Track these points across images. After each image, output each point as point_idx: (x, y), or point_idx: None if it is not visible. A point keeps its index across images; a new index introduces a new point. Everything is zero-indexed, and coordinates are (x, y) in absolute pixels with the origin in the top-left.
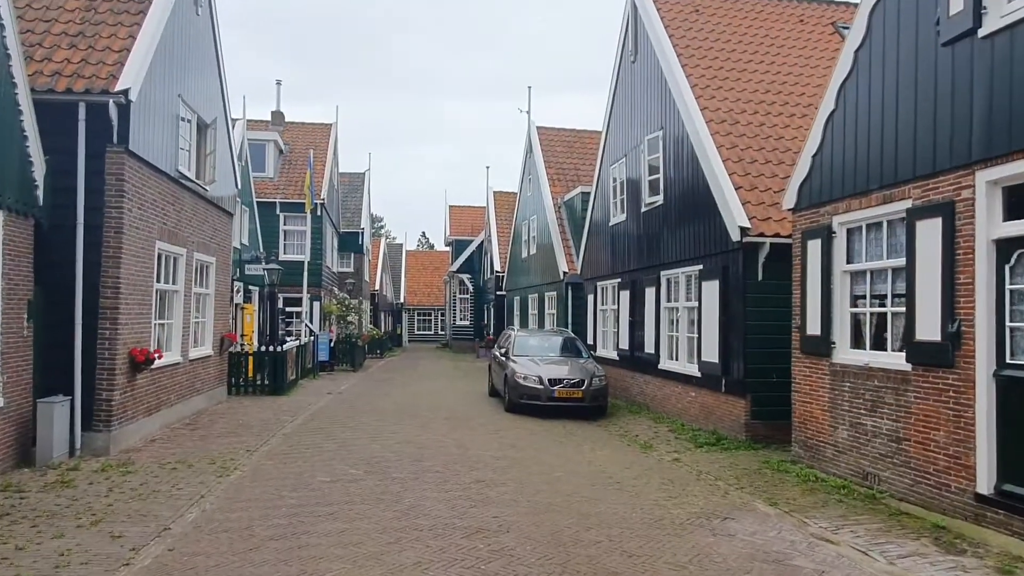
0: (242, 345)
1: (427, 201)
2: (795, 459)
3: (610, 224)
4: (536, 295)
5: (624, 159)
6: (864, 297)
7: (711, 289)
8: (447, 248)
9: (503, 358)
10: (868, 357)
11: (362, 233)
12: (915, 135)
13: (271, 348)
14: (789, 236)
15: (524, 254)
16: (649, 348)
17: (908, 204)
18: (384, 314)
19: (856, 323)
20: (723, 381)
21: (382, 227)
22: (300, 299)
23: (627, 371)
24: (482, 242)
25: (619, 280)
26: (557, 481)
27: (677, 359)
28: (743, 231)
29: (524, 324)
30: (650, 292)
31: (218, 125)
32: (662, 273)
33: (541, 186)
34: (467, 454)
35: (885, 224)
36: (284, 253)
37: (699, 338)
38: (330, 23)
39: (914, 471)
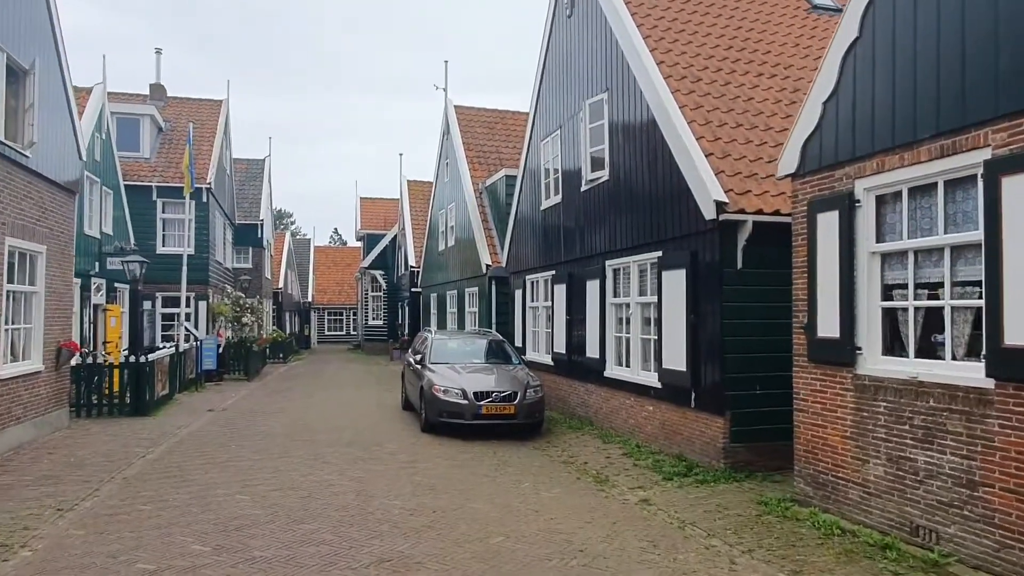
0: (103, 355)
1: (339, 198)
2: (801, 499)
3: (541, 208)
4: (455, 292)
5: (558, 131)
6: (904, 287)
7: (675, 280)
8: (359, 243)
9: (418, 366)
10: (917, 368)
11: (261, 225)
12: (996, 57)
13: (131, 358)
14: (775, 213)
15: (442, 247)
16: (592, 352)
17: (986, 155)
18: (290, 314)
19: (892, 322)
20: (692, 394)
21: (292, 223)
22: (186, 298)
23: (564, 379)
24: (396, 236)
25: (553, 273)
26: (498, 554)
27: (628, 365)
28: (719, 207)
29: (442, 324)
30: (592, 286)
31: (41, 71)
32: (608, 263)
33: (460, 171)
34: (369, 506)
35: (941, 186)
36: (163, 245)
37: (659, 341)
38: (232, 15)
39: (1000, 529)
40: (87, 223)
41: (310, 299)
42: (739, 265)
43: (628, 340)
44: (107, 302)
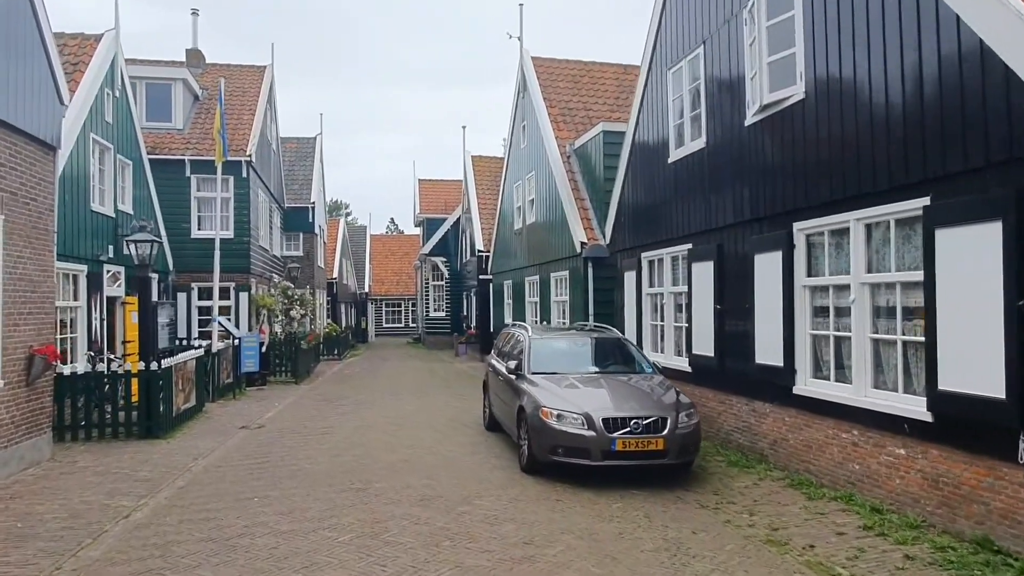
0: (119, 358)
1: (396, 187)
2: None
3: (669, 161)
4: (536, 278)
5: (699, 50)
6: None
7: (969, 244)
8: (417, 230)
9: (511, 376)
10: None
11: (312, 209)
12: None
13: (147, 364)
14: None
15: (518, 226)
16: (767, 356)
17: None
18: (346, 306)
19: None
20: (1023, 439)
21: (348, 213)
22: (226, 289)
23: (711, 391)
24: (459, 219)
25: (688, 247)
26: None
27: (847, 380)
28: None
29: (519, 315)
30: (766, 261)
31: None
32: (797, 226)
33: (542, 132)
34: None
35: None
36: (199, 228)
37: (931, 345)
38: (278, 13)
39: None
40: (96, 197)
41: (367, 290)
42: None
43: (843, 341)
44: (127, 294)
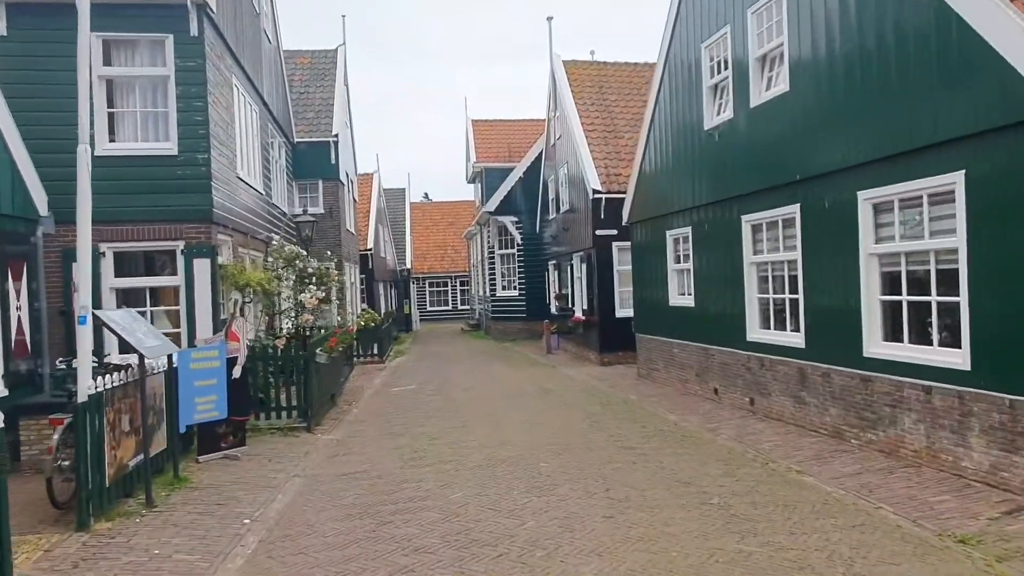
0: None
1: (426, 168)
2: None
3: None
4: (769, 215)
5: None
6: None
7: None
8: (469, 191)
9: None
10: None
11: (335, 144)
12: None
13: None
14: None
15: (712, 122)
16: None
17: None
18: (385, 286)
19: None
20: None
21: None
22: (169, 253)
23: None
24: (536, 163)
25: None
26: None
27: None
28: None
29: (713, 289)
30: None
31: None
32: None
33: None
34: None
35: None
36: (112, 139)
37: None
38: None
39: None
40: None
41: (408, 266)
42: None
43: None
44: None
